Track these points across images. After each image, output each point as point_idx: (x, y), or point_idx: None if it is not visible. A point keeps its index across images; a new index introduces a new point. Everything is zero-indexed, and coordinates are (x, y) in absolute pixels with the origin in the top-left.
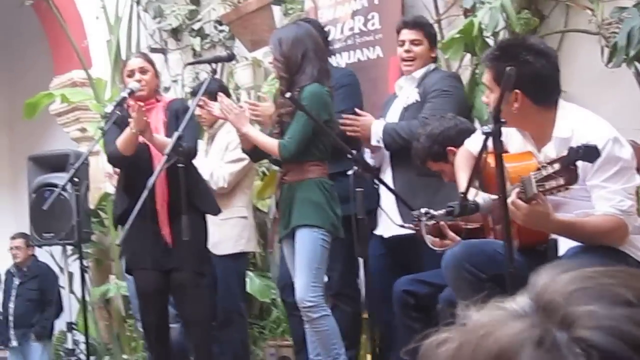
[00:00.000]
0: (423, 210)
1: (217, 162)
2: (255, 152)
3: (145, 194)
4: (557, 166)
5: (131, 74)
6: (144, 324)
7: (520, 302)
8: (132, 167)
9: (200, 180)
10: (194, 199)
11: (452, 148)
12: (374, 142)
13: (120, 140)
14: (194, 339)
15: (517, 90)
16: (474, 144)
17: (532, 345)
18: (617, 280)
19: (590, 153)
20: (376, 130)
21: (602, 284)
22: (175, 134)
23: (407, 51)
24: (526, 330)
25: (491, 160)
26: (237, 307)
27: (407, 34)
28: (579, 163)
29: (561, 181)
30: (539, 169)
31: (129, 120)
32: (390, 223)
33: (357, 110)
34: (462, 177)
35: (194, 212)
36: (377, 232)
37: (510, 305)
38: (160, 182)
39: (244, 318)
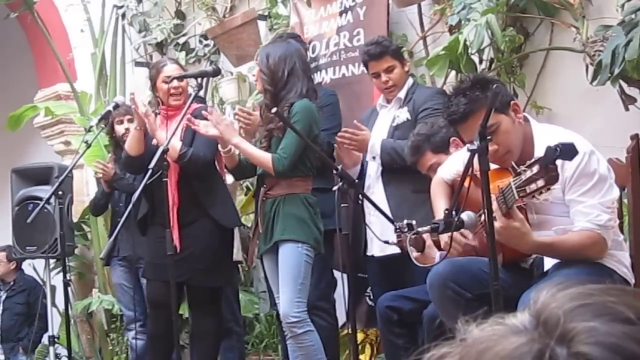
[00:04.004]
0: (405, 222)
1: None
2: (238, 170)
3: (130, 207)
4: (535, 168)
5: (168, 81)
6: (150, 334)
7: (520, 318)
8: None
9: (218, 190)
10: (209, 208)
11: (456, 138)
12: (369, 158)
13: (127, 141)
14: (199, 354)
15: (513, 101)
16: (447, 171)
17: (531, 359)
18: (617, 298)
19: (567, 151)
20: (372, 147)
21: (602, 302)
22: (161, 148)
23: (386, 82)
24: (526, 344)
25: (466, 183)
26: (236, 317)
27: (377, 66)
28: (559, 167)
29: (541, 182)
30: (518, 174)
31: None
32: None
33: (357, 123)
34: (439, 204)
35: (210, 223)
36: (370, 252)
37: (510, 321)
38: (172, 189)
39: (241, 328)
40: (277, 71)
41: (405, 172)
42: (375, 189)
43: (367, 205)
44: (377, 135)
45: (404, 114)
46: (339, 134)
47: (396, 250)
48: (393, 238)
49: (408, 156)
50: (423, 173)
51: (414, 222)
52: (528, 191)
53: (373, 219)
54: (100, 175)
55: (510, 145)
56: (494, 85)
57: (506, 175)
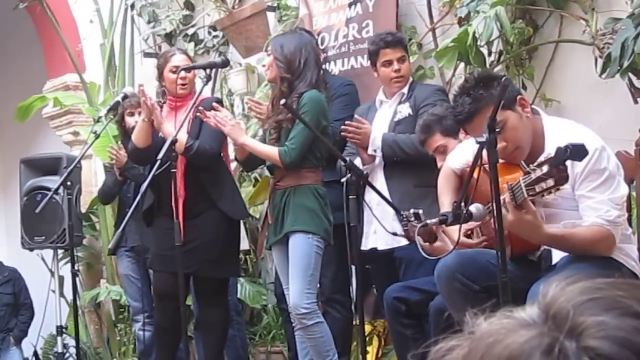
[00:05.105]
0: (412, 211)
1: None
2: (248, 162)
3: (138, 198)
4: (545, 168)
5: (176, 71)
6: (157, 326)
7: (529, 311)
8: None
9: (226, 182)
10: (217, 200)
11: None
12: (370, 152)
13: (134, 132)
14: (206, 346)
15: (520, 96)
16: (456, 161)
17: (540, 353)
18: (626, 292)
19: (578, 152)
20: (374, 140)
21: (611, 296)
22: (169, 139)
23: (397, 70)
24: (535, 338)
25: (475, 174)
26: (236, 306)
27: (392, 53)
28: (568, 163)
29: (551, 182)
30: (528, 173)
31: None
32: (385, 235)
33: (358, 117)
34: (445, 198)
35: (217, 214)
36: (373, 245)
37: (519, 315)
38: (180, 181)
39: (241, 317)
40: (294, 60)
41: (408, 167)
42: (377, 183)
43: (369, 200)
44: (378, 130)
45: (405, 109)
46: (342, 127)
47: (400, 243)
48: (398, 230)
49: (418, 133)
50: (430, 154)
51: (420, 211)
52: (537, 190)
53: (375, 212)
54: (114, 161)
55: (519, 141)
56: (503, 78)
57: (515, 170)
